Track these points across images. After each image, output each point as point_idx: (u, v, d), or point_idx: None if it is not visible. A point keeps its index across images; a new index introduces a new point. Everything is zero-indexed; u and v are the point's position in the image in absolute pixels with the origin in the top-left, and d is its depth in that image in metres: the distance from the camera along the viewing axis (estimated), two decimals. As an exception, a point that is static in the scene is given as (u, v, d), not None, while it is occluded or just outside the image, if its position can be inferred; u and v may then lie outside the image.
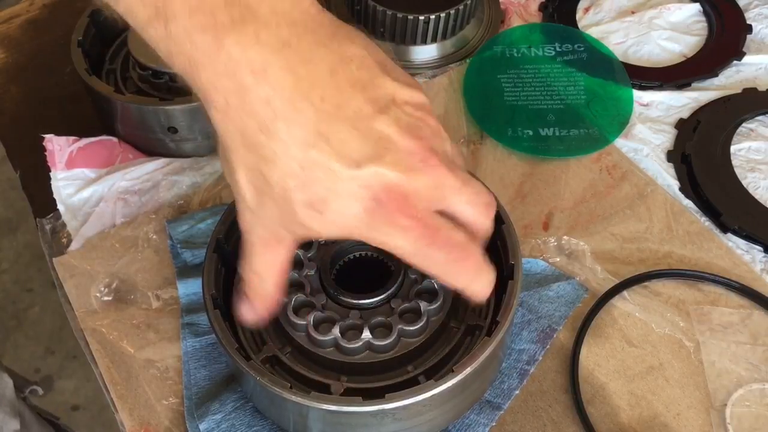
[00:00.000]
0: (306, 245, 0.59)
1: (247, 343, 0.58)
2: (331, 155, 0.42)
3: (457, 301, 0.58)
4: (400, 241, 0.45)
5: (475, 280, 0.49)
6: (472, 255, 0.48)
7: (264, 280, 0.50)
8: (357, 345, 0.54)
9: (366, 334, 0.54)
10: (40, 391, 0.89)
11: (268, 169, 0.43)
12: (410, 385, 0.52)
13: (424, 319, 0.55)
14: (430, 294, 0.56)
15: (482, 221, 0.49)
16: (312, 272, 0.58)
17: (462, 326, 0.59)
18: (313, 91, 0.42)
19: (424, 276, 0.57)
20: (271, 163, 0.43)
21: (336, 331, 0.54)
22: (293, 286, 0.57)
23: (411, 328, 0.55)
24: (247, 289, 0.51)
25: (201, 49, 0.41)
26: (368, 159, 0.43)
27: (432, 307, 0.56)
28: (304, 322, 0.55)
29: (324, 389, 0.55)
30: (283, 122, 0.42)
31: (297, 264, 0.58)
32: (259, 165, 0.44)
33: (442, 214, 0.47)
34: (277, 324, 0.57)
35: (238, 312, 0.53)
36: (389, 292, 0.56)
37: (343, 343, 0.54)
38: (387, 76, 0.45)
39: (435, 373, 0.55)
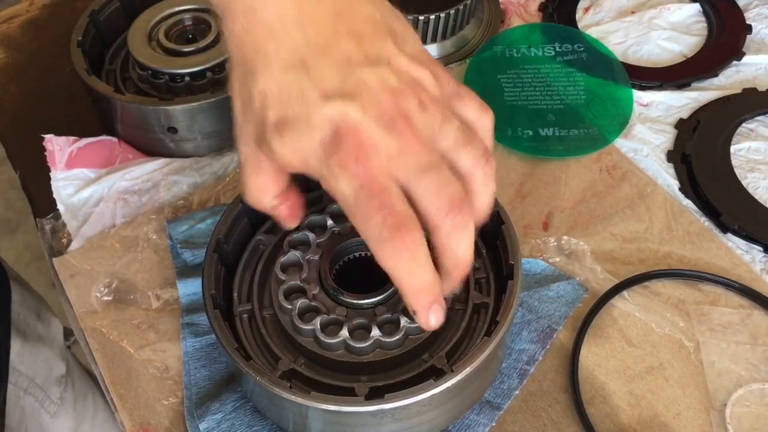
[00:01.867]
0: (304, 247, 0.59)
1: (261, 361, 0.57)
2: (307, 82, 0.44)
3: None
4: (343, 185, 0.44)
5: (406, 268, 0.45)
6: (411, 233, 0.44)
7: (257, 198, 0.52)
8: (366, 344, 0.54)
9: (375, 332, 0.54)
10: None
11: (251, 84, 0.46)
12: (431, 373, 0.53)
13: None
14: None
15: (440, 219, 0.45)
16: (312, 274, 0.58)
17: (468, 307, 0.59)
18: (311, 26, 0.45)
19: None
20: (254, 78, 0.46)
21: (344, 332, 0.54)
22: (295, 292, 0.57)
23: (415, 325, 0.55)
24: (250, 204, 0.53)
25: None
26: (340, 95, 0.44)
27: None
28: (311, 327, 0.55)
29: (349, 393, 0.54)
30: (274, 43, 0.45)
31: (297, 266, 0.58)
32: (246, 79, 0.46)
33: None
34: (286, 336, 0.57)
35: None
36: (391, 290, 0.56)
37: (353, 344, 0.54)
38: (391, 41, 0.46)
39: (451, 358, 0.56)
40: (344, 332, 0.54)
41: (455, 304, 0.59)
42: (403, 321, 0.55)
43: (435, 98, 0.46)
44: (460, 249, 0.46)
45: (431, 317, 0.48)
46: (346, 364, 0.55)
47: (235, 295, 0.60)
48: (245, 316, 0.59)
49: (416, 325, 0.54)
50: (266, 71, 0.45)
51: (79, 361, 0.91)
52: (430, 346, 0.57)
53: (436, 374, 0.54)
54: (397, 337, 0.54)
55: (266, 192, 0.51)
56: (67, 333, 0.86)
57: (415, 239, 0.44)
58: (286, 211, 0.53)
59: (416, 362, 0.56)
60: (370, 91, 0.44)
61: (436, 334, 0.57)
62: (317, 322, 0.55)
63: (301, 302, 0.55)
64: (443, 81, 0.48)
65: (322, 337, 0.54)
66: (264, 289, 0.61)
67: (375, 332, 0.54)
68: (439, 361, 0.56)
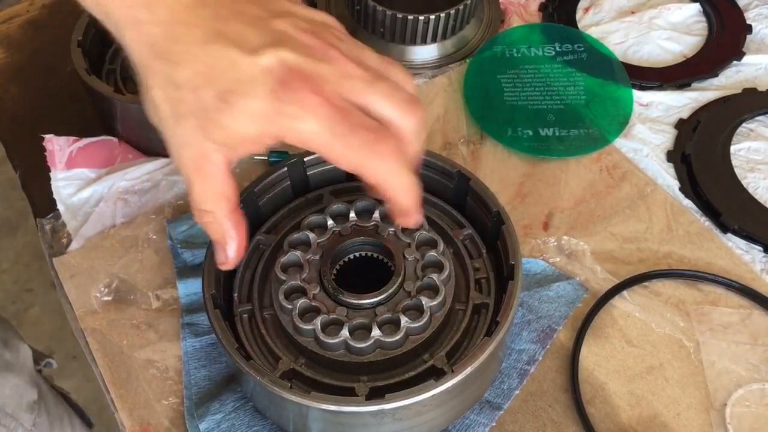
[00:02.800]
0: (304, 247, 0.59)
1: (261, 361, 0.57)
2: (230, 46, 0.45)
3: (459, 283, 0.59)
4: (311, 124, 0.44)
5: (397, 173, 0.47)
6: (390, 140, 0.46)
7: (214, 214, 0.49)
8: (367, 344, 0.54)
9: (375, 332, 0.54)
10: (55, 364, 0.89)
11: (177, 73, 0.45)
12: (431, 374, 0.53)
13: (427, 315, 0.55)
14: (432, 290, 0.56)
15: (405, 121, 0.47)
16: (312, 274, 0.58)
17: (468, 307, 0.59)
18: (212, 3, 0.46)
19: (424, 273, 0.57)
20: (178, 65, 0.45)
21: (345, 332, 0.54)
22: (295, 292, 0.57)
23: (415, 325, 0.55)
24: (207, 230, 0.51)
25: None
26: (267, 46, 0.45)
27: (435, 302, 0.56)
28: (312, 327, 0.55)
29: (350, 393, 0.54)
30: (183, 26, 0.45)
31: (297, 266, 0.58)
32: (169, 73, 0.46)
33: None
34: (286, 336, 0.57)
35: (217, 262, 0.53)
36: (391, 290, 0.56)
37: (353, 344, 0.54)
38: (285, 1, 0.48)
39: (452, 358, 0.56)
40: (345, 332, 0.54)
41: (456, 304, 0.59)
42: (404, 321, 0.55)
43: (346, 33, 0.49)
44: (421, 141, 0.49)
45: (419, 214, 0.51)
46: (346, 364, 0.55)
47: (235, 295, 0.60)
48: (245, 316, 0.59)
49: (417, 324, 0.55)
50: (186, 53, 0.45)
51: (51, 384, 0.90)
52: (430, 346, 0.57)
53: (437, 374, 0.54)
54: (397, 337, 0.54)
55: (222, 199, 0.48)
56: (37, 357, 0.85)
57: (397, 144, 0.46)
58: (238, 231, 0.50)
59: (416, 362, 0.56)
60: (291, 36, 0.46)
61: (437, 334, 0.57)
62: (318, 321, 0.55)
63: (301, 302, 0.55)
64: (344, 30, 0.50)
65: (322, 337, 0.54)
66: (264, 289, 0.61)
67: (375, 332, 0.54)
68: (439, 361, 0.56)
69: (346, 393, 0.54)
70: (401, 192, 0.48)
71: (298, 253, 0.58)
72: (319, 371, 0.56)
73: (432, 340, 0.57)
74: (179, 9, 0.45)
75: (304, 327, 0.55)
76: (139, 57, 0.47)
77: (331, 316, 0.55)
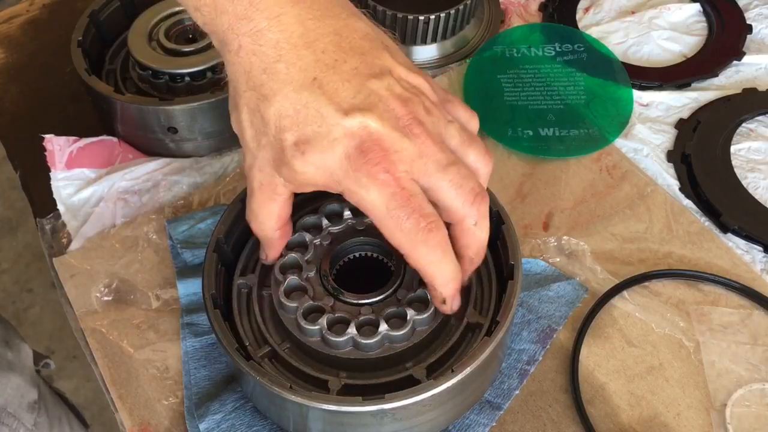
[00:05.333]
0: (302, 247, 0.59)
1: (249, 339, 0.58)
2: (322, 99, 0.45)
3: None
4: (374, 195, 0.46)
5: (439, 264, 0.49)
6: (440, 231, 0.48)
7: (263, 225, 0.53)
8: (343, 339, 0.54)
9: (352, 330, 0.54)
10: (53, 365, 0.90)
11: (265, 107, 0.47)
12: (408, 382, 0.52)
13: (410, 325, 0.55)
14: (422, 303, 0.56)
15: (466, 210, 0.49)
16: (312, 274, 0.58)
17: (462, 324, 0.59)
18: (317, 43, 0.46)
19: (421, 282, 0.57)
20: (268, 101, 0.46)
21: (323, 322, 0.54)
22: (295, 291, 0.57)
23: (398, 333, 0.54)
24: (254, 230, 0.55)
25: None
26: (357, 109, 0.45)
27: (423, 316, 0.55)
28: (295, 305, 0.55)
29: (322, 385, 0.55)
30: (284, 64, 0.46)
31: (296, 267, 0.58)
32: (258, 104, 0.47)
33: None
34: (276, 318, 0.57)
35: (260, 257, 0.58)
36: (389, 291, 0.56)
37: (330, 337, 0.54)
38: (388, 53, 0.49)
39: (433, 371, 0.55)
40: (323, 322, 0.54)
41: (450, 319, 0.58)
42: (383, 326, 0.54)
43: (435, 102, 0.49)
44: (484, 235, 0.51)
45: (455, 302, 0.53)
46: (327, 357, 0.55)
47: (235, 295, 0.60)
48: (244, 290, 0.60)
49: (423, 316, 0.54)
50: (279, 93, 0.46)
51: (50, 384, 0.90)
52: (415, 355, 0.57)
53: (413, 384, 0.53)
54: (372, 340, 0.54)
55: (276, 219, 0.53)
56: (36, 357, 0.85)
57: (445, 236, 0.48)
58: (281, 241, 0.56)
59: (397, 368, 0.56)
60: (382, 100, 0.46)
61: (424, 344, 0.57)
62: (303, 305, 0.55)
63: (302, 302, 0.55)
64: (435, 87, 0.51)
65: (303, 323, 0.54)
66: (264, 289, 0.61)
67: (351, 330, 0.54)
68: (419, 372, 0.55)
69: (318, 385, 0.55)
70: (440, 283, 0.50)
71: (296, 254, 0.58)
72: (299, 358, 0.56)
73: (421, 347, 0.56)
74: (285, 46, 0.46)
75: (289, 304, 0.55)
76: (235, 79, 0.48)
77: (316, 303, 0.56)
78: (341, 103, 0.46)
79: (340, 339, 0.54)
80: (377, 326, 0.54)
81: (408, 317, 0.54)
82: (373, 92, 0.46)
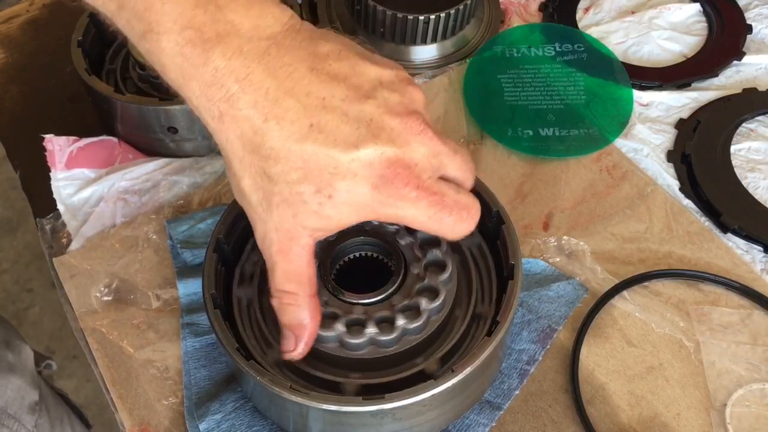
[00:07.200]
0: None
1: (253, 347, 0.58)
2: (328, 143, 0.45)
3: (461, 290, 0.59)
4: (412, 211, 0.47)
5: (474, 224, 0.51)
6: (474, 207, 0.50)
7: (296, 296, 0.50)
8: (361, 340, 0.54)
9: (370, 329, 0.54)
10: (54, 366, 0.90)
11: (269, 167, 0.45)
12: (421, 378, 0.53)
13: (425, 317, 0.55)
14: (431, 292, 0.56)
15: (469, 181, 0.52)
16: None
17: (468, 315, 0.59)
18: (297, 89, 0.45)
19: (425, 274, 0.57)
20: (272, 160, 0.45)
21: (340, 326, 0.54)
22: None
23: (414, 325, 0.55)
24: (282, 316, 0.51)
25: (191, 60, 0.44)
26: (365, 140, 0.45)
27: (433, 305, 0.55)
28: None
29: (335, 388, 0.55)
30: (273, 121, 0.45)
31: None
32: (261, 165, 0.46)
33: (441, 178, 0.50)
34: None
35: (283, 350, 0.52)
36: (391, 290, 0.56)
37: (348, 339, 0.54)
38: (367, 62, 0.48)
39: (444, 364, 0.56)
40: (339, 326, 0.54)
41: (455, 311, 0.59)
42: (423, 304, 0.55)
43: (416, 88, 0.50)
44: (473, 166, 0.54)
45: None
46: (338, 359, 0.55)
47: (235, 295, 0.60)
48: (245, 315, 0.59)
49: (435, 304, 0.55)
50: (282, 150, 0.45)
51: (51, 385, 0.90)
52: (424, 350, 0.57)
53: (425, 379, 0.53)
54: (392, 336, 0.54)
55: (302, 277, 0.50)
56: (38, 359, 0.85)
57: (477, 208, 0.51)
58: (310, 317, 0.51)
59: (408, 365, 0.56)
60: (386, 122, 0.46)
61: (432, 339, 0.57)
62: (338, 326, 0.54)
63: None
64: (403, 71, 0.51)
65: (350, 339, 0.54)
66: (264, 289, 0.61)
67: (370, 329, 0.54)
68: (431, 366, 0.56)
69: (332, 387, 0.55)
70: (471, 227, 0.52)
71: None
72: (309, 363, 0.56)
73: (430, 341, 0.57)
74: (265, 104, 0.44)
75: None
76: (227, 147, 0.47)
77: (328, 309, 0.55)
78: (347, 139, 0.45)
79: (360, 340, 0.54)
80: (393, 322, 0.54)
81: (422, 307, 0.55)
82: (373, 118, 0.46)
